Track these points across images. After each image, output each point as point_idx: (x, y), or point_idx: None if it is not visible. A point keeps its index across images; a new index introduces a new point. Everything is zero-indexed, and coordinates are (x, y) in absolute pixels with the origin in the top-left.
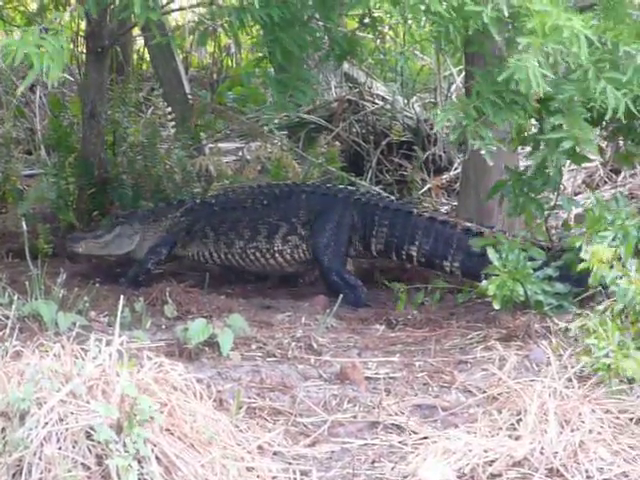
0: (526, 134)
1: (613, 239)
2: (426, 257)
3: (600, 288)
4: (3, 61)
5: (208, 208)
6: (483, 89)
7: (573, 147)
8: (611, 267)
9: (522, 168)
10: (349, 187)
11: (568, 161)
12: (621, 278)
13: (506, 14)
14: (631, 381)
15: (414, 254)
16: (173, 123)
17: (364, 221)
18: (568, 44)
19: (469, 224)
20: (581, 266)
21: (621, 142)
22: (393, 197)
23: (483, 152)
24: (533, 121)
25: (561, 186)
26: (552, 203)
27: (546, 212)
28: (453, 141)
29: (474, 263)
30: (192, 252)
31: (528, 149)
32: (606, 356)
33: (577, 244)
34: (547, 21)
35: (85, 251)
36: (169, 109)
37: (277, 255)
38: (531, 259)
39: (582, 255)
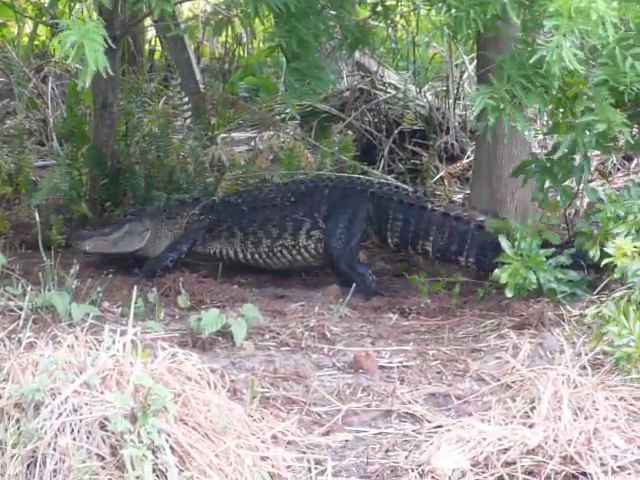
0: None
1: (626, 235)
2: (441, 252)
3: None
4: (64, 57)
5: (234, 207)
6: (512, 73)
7: (605, 131)
8: (633, 258)
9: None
10: (368, 179)
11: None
12: None
13: None
14: None
15: (429, 249)
16: (189, 113)
17: (379, 214)
18: (594, 26)
19: (483, 217)
20: (605, 261)
21: (635, 129)
22: (410, 189)
23: (526, 133)
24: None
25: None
26: (574, 191)
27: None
28: (483, 128)
29: (489, 258)
30: (214, 250)
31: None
32: (627, 345)
33: (590, 249)
34: (570, 4)
35: (93, 249)
36: (186, 99)
37: (302, 250)
38: (544, 246)
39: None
